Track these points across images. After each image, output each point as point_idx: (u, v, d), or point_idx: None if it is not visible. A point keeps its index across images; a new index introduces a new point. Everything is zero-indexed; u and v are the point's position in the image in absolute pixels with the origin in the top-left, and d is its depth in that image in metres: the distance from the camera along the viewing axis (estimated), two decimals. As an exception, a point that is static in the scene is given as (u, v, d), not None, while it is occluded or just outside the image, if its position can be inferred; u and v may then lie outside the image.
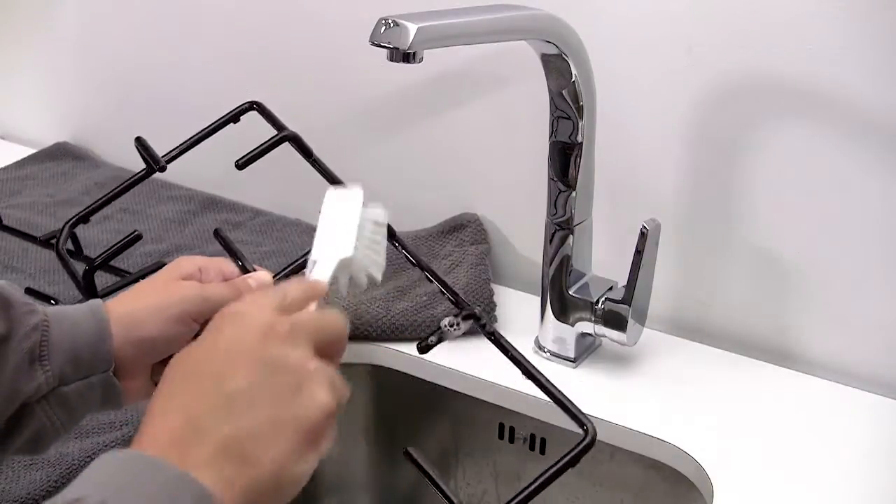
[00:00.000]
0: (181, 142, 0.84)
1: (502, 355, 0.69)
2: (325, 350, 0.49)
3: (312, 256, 0.56)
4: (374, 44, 0.61)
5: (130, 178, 0.84)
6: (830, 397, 0.79)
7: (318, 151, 0.83)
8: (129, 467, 0.42)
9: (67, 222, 0.84)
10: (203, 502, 0.41)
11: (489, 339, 0.69)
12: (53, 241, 0.99)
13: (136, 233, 0.83)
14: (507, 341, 0.69)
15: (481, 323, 0.69)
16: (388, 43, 0.61)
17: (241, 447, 0.44)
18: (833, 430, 0.75)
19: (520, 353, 0.67)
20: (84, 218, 0.84)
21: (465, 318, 0.68)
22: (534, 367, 0.67)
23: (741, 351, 0.84)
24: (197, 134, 0.82)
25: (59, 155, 1.23)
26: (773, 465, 0.71)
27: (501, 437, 0.86)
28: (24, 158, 1.23)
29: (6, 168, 1.21)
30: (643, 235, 0.75)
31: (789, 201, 0.79)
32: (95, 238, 1.03)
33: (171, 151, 0.82)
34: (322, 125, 1.01)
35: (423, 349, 0.67)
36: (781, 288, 0.82)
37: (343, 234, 0.56)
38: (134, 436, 0.45)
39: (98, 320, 0.58)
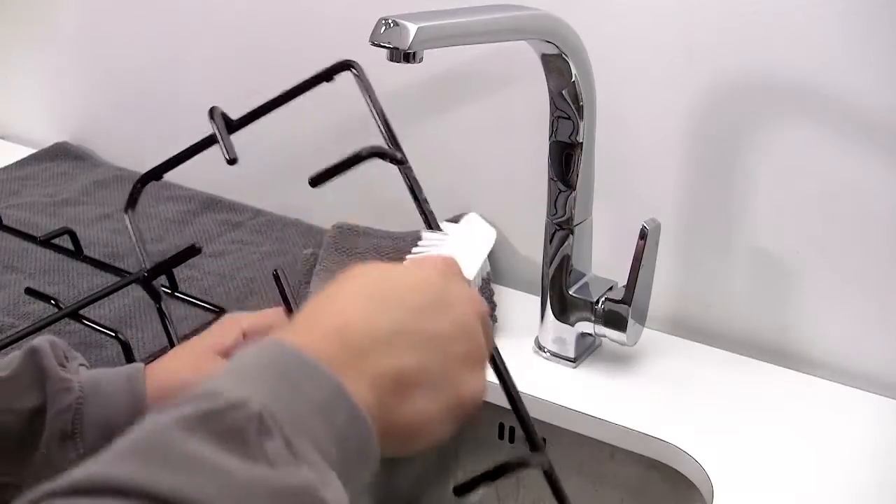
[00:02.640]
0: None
1: (502, 355, 0.67)
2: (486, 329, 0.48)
3: (448, 250, 0.54)
4: (374, 44, 0.61)
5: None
6: (830, 397, 0.79)
7: (318, 151, 0.83)
8: (286, 371, 0.38)
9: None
10: (357, 424, 0.39)
11: None
12: (53, 239, 1.00)
13: (194, 245, 0.74)
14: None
15: None
16: (388, 43, 0.61)
17: (405, 385, 0.42)
18: (833, 430, 0.75)
19: (502, 361, 0.61)
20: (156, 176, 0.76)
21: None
22: (511, 379, 0.60)
23: (741, 351, 0.84)
24: (277, 96, 0.72)
25: (59, 155, 1.23)
26: (773, 465, 0.71)
27: (501, 437, 0.86)
28: (24, 158, 1.23)
29: (6, 168, 1.21)
30: (643, 235, 0.75)
31: (789, 201, 0.79)
32: (95, 238, 1.03)
33: (241, 117, 0.73)
34: (322, 125, 1.01)
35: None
36: (781, 288, 0.82)
37: (472, 259, 0.55)
38: None
39: (134, 393, 0.58)
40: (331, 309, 0.43)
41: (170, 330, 0.71)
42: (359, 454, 0.39)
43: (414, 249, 0.55)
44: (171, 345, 0.72)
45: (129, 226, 0.72)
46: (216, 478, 0.33)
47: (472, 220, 0.60)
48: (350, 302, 0.43)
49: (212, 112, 0.67)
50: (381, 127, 0.64)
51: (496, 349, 0.58)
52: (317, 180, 0.57)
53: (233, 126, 0.67)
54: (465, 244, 0.56)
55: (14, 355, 0.58)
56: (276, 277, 0.58)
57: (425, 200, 0.60)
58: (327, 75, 0.68)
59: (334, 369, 0.39)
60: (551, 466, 0.54)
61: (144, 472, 0.32)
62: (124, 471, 0.32)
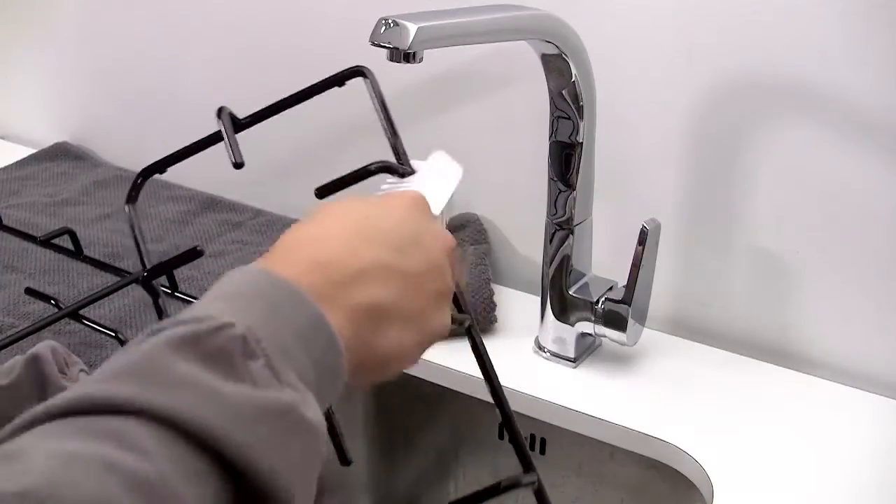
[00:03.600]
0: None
1: (502, 356, 0.67)
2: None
3: (416, 186, 0.55)
4: (374, 44, 0.61)
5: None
6: (830, 397, 0.79)
7: (318, 151, 0.83)
8: (273, 297, 0.40)
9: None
10: (333, 351, 0.41)
11: (474, 351, 0.61)
12: (53, 239, 1.00)
13: (196, 248, 0.72)
14: (485, 352, 0.60)
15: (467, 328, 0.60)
16: (388, 43, 0.61)
17: (379, 314, 0.44)
18: (833, 430, 0.75)
19: (495, 375, 0.59)
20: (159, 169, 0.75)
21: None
22: (506, 401, 0.59)
23: (741, 351, 0.84)
24: (288, 97, 0.71)
25: (59, 155, 1.23)
26: (773, 465, 0.71)
27: (501, 437, 0.86)
28: (24, 158, 1.23)
29: (6, 168, 1.21)
30: (643, 235, 0.75)
31: (789, 201, 0.79)
32: (95, 238, 1.03)
33: (249, 116, 0.72)
34: (322, 125, 1.01)
35: None
36: (781, 288, 0.82)
37: (440, 193, 0.57)
38: None
39: None
40: (313, 243, 0.45)
41: None
42: (332, 380, 0.41)
43: (383, 186, 0.56)
44: None
45: (130, 220, 0.71)
46: (206, 396, 0.35)
47: (439, 157, 0.60)
48: (331, 237, 0.45)
49: (219, 112, 0.67)
50: (390, 138, 0.64)
51: (496, 377, 0.59)
52: (323, 192, 0.58)
53: (240, 125, 0.67)
54: (432, 181, 0.57)
55: (15, 361, 0.58)
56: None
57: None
58: (339, 80, 0.68)
59: (316, 300, 0.41)
60: (541, 486, 0.56)
61: (140, 391, 0.34)
62: (121, 390, 0.34)
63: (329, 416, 0.53)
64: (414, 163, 0.59)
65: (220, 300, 0.40)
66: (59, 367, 0.57)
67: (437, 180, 0.58)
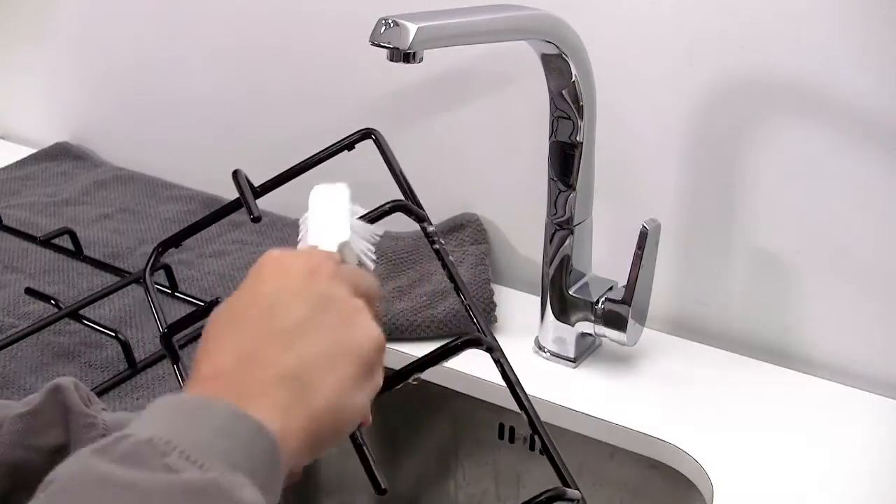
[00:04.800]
0: (183, 142, 0.83)
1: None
2: (364, 297, 0.50)
3: (310, 242, 0.56)
4: (374, 44, 0.61)
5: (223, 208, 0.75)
6: (830, 397, 0.79)
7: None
8: (180, 409, 0.40)
9: (155, 250, 0.74)
10: (260, 436, 0.40)
11: (500, 371, 0.62)
12: (53, 239, 1.00)
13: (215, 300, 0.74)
14: (514, 376, 0.63)
15: (485, 348, 0.61)
16: (388, 43, 0.61)
17: (298, 378, 0.43)
18: (833, 430, 0.75)
19: (526, 398, 0.62)
20: (175, 243, 0.75)
21: (464, 344, 0.59)
22: (539, 419, 0.62)
23: (741, 351, 0.84)
24: (300, 163, 0.73)
25: (59, 155, 1.23)
26: (772, 465, 0.71)
27: (501, 437, 0.86)
28: (24, 158, 1.23)
29: (6, 168, 1.21)
30: (643, 235, 0.75)
31: (789, 201, 0.79)
32: (95, 237, 1.03)
33: (266, 183, 0.73)
34: (322, 125, 1.01)
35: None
36: (781, 288, 0.82)
37: (336, 222, 0.57)
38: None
39: None
40: (212, 344, 0.46)
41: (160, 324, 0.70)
42: (269, 463, 0.40)
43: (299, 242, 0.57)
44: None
45: (147, 290, 0.71)
46: (125, 490, 0.35)
47: (319, 191, 0.60)
48: (217, 334, 0.46)
49: (236, 175, 0.69)
50: (406, 189, 0.67)
51: (538, 421, 0.60)
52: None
53: (256, 193, 0.70)
54: (321, 219, 0.58)
55: (35, 394, 0.57)
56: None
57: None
58: (350, 145, 0.71)
59: (231, 396, 0.41)
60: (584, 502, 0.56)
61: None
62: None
63: (361, 444, 0.53)
64: (310, 204, 0.60)
65: (135, 421, 0.40)
66: (83, 399, 0.56)
67: (325, 215, 0.58)
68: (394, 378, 0.54)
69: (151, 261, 0.72)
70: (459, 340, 0.56)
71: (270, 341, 0.45)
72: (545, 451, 0.58)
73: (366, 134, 0.69)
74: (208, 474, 0.36)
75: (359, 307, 0.48)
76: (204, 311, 0.65)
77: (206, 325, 0.47)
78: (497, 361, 0.61)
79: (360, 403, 0.46)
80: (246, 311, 0.47)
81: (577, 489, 0.56)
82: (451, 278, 0.64)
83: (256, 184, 0.69)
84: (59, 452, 0.54)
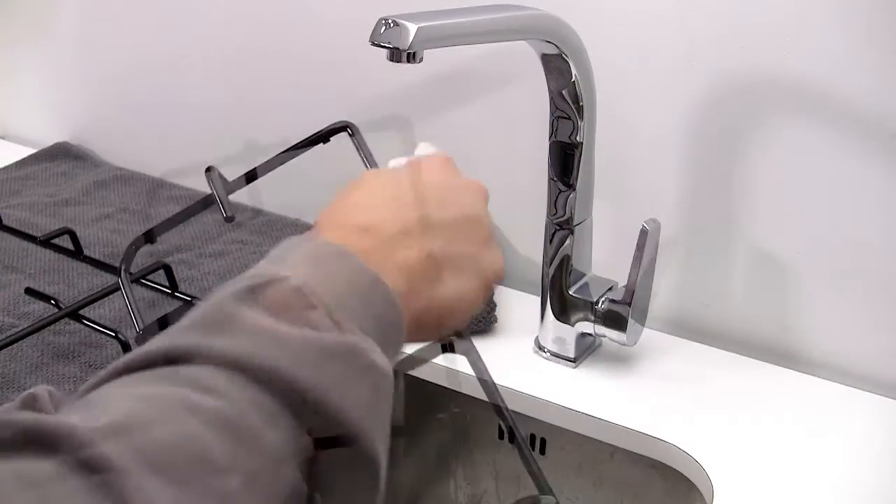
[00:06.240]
0: (183, 142, 0.83)
1: (502, 356, 0.68)
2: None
3: None
4: (374, 44, 0.61)
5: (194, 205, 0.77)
6: (830, 397, 0.79)
7: (318, 151, 0.83)
8: (321, 256, 0.43)
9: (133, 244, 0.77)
10: (391, 307, 0.43)
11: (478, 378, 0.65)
12: (53, 239, 1.00)
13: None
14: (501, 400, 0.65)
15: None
16: (388, 43, 0.61)
17: (426, 271, 0.46)
18: (833, 430, 0.75)
19: (504, 404, 0.63)
20: (150, 239, 0.77)
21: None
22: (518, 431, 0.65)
23: (741, 351, 0.84)
24: (277, 156, 0.73)
25: (59, 155, 1.23)
26: (773, 465, 0.71)
27: (501, 437, 0.86)
28: (24, 158, 1.23)
29: (6, 168, 1.21)
30: (644, 235, 0.75)
31: (790, 201, 0.79)
32: (95, 237, 1.03)
33: (238, 178, 0.74)
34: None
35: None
36: (781, 288, 0.82)
37: None
38: None
39: None
40: (355, 211, 0.48)
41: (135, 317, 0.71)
42: (393, 334, 0.43)
43: (391, 163, 0.57)
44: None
45: (123, 286, 0.72)
46: (271, 341, 0.36)
47: (424, 147, 0.61)
48: (371, 204, 0.48)
49: (209, 171, 0.69)
50: None
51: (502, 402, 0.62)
52: None
53: (229, 188, 0.70)
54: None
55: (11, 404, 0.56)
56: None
57: None
58: (325, 137, 0.71)
59: (366, 262, 0.43)
60: None
61: (208, 340, 0.36)
62: (191, 340, 0.36)
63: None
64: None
65: (273, 263, 0.42)
66: (56, 407, 0.56)
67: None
68: None
69: (123, 260, 0.72)
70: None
71: (420, 224, 0.47)
72: (522, 459, 0.58)
73: (342, 127, 0.69)
74: (348, 338, 0.39)
75: (493, 234, 0.51)
76: (180, 312, 0.67)
77: (364, 179, 0.50)
78: (473, 364, 0.61)
79: (465, 316, 0.49)
80: (406, 183, 0.49)
81: (553, 495, 0.57)
82: None
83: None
84: None
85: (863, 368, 0.80)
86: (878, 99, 0.72)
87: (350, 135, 0.68)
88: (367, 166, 0.67)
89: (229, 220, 0.67)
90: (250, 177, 0.72)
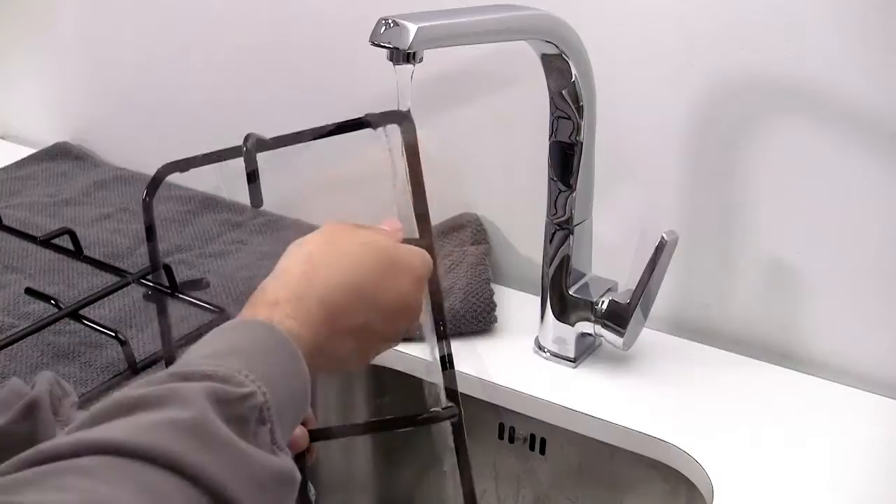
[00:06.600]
0: (183, 142, 0.83)
1: (502, 356, 0.68)
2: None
3: None
4: (374, 44, 0.61)
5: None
6: (830, 397, 0.79)
7: (317, 152, 0.83)
8: (274, 352, 0.48)
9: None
10: (304, 393, 0.49)
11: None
12: (53, 239, 1.00)
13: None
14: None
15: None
16: (388, 43, 0.61)
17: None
18: (833, 430, 0.75)
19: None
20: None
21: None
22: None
23: (741, 351, 0.84)
24: (309, 130, 0.73)
25: (59, 155, 1.23)
26: (772, 465, 0.71)
27: (501, 437, 0.86)
28: (24, 158, 1.23)
29: (6, 168, 1.21)
30: (661, 246, 0.74)
31: (790, 201, 0.79)
32: (95, 238, 1.03)
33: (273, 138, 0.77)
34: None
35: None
36: (782, 288, 0.82)
37: None
38: None
39: None
40: (323, 290, 0.53)
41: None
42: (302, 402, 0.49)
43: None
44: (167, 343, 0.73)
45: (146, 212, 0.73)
46: (236, 457, 0.40)
47: None
48: (339, 287, 0.54)
49: (246, 140, 0.71)
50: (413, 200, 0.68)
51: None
52: None
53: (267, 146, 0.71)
54: None
55: (9, 391, 0.55)
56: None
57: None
58: (374, 125, 0.71)
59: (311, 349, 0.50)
60: (461, 420, 0.63)
61: (182, 449, 0.38)
62: (155, 440, 0.38)
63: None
64: None
65: (234, 356, 0.45)
66: (54, 407, 0.55)
67: None
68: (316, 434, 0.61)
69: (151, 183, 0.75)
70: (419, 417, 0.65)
71: (364, 321, 0.55)
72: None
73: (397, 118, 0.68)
74: (283, 459, 0.44)
75: (419, 310, 0.59)
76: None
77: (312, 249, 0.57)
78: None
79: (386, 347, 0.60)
80: (361, 264, 0.57)
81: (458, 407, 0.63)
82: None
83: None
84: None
85: (863, 368, 0.80)
86: (879, 99, 0.72)
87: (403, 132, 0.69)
88: (406, 176, 0.68)
89: (256, 205, 0.71)
90: (282, 140, 0.72)
